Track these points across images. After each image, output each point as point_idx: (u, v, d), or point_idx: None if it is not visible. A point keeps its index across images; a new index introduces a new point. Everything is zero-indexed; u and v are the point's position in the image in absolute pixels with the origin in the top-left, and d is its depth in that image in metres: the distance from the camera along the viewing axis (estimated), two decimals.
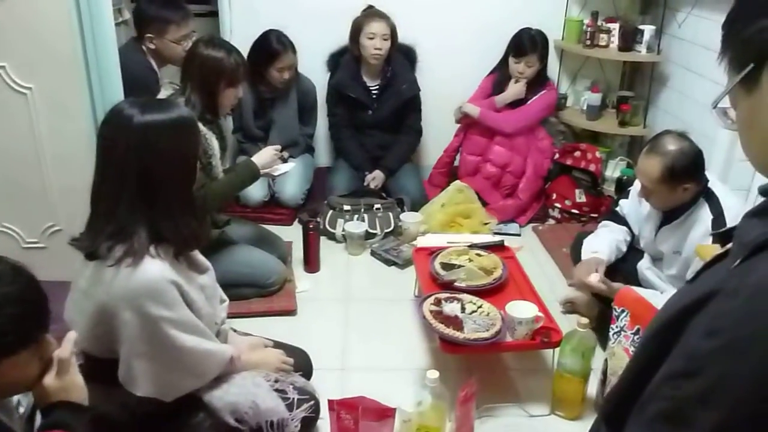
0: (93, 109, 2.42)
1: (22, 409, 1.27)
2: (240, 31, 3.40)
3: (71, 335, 1.29)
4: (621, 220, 2.52)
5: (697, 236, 2.15)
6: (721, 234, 0.83)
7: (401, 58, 3.37)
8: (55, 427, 1.18)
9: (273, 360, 1.86)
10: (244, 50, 3.05)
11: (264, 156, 2.49)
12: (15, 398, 1.27)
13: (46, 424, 1.20)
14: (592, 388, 2.09)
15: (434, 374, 1.74)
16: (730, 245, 0.77)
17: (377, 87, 3.37)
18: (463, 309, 2.07)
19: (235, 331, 1.93)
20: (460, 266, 2.33)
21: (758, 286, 0.61)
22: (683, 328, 0.68)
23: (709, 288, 0.67)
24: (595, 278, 2.29)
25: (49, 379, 1.20)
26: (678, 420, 0.64)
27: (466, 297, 2.14)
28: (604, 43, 3.38)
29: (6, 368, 1.08)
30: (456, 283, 2.25)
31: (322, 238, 3.00)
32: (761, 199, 0.76)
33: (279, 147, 2.57)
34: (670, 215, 2.26)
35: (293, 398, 1.76)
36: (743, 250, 0.67)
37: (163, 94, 2.38)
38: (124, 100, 1.57)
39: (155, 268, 1.48)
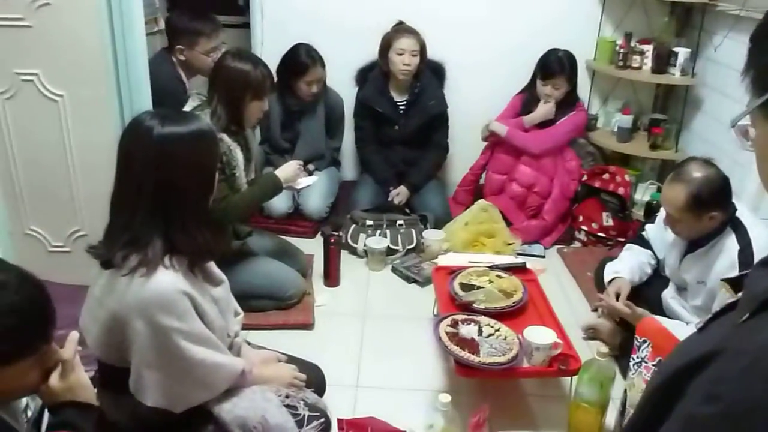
0: (122, 119, 2.45)
1: (30, 412, 1.28)
2: (271, 43, 3.44)
3: (74, 335, 1.29)
4: (646, 244, 2.46)
5: (723, 267, 2.09)
6: (734, 280, 0.78)
7: (430, 75, 3.36)
8: (62, 428, 1.19)
9: (285, 375, 1.85)
10: (274, 62, 3.09)
11: (287, 170, 2.50)
12: (24, 401, 1.28)
13: (53, 424, 1.21)
14: (611, 418, 2.03)
15: (446, 398, 1.71)
16: (739, 294, 0.73)
17: (405, 102, 3.37)
18: (480, 332, 2.03)
19: (249, 344, 1.93)
20: (479, 287, 2.30)
21: (761, 350, 0.56)
22: (685, 387, 0.64)
23: (713, 345, 0.63)
24: (617, 302, 2.25)
25: (54, 380, 1.21)
26: None
27: (483, 319, 2.10)
28: (637, 65, 3.32)
29: (6, 375, 1.08)
30: (474, 305, 2.22)
31: (344, 253, 2.99)
32: None
33: (302, 162, 2.58)
34: (695, 243, 2.21)
35: (304, 415, 1.74)
36: (752, 304, 0.63)
37: (189, 105, 2.41)
38: (145, 112, 1.58)
39: (168, 279, 1.49)
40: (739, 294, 0.72)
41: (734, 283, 0.79)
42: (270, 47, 3.39)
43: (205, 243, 1.59)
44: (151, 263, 1.48)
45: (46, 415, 1.25)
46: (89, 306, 1.60)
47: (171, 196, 1.51)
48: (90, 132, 2.44)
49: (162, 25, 3.48)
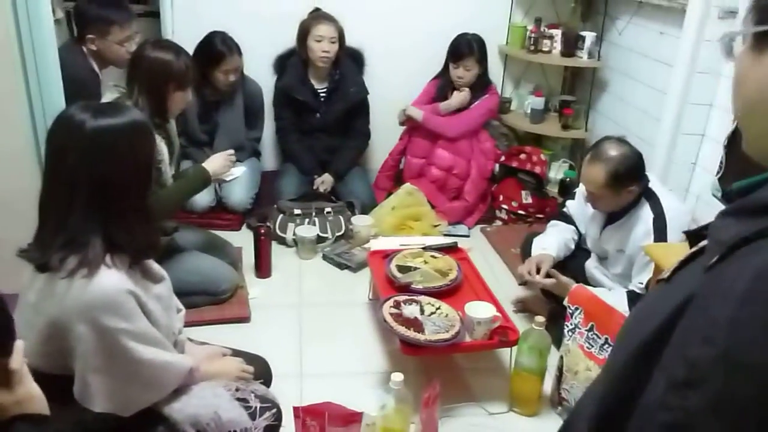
0: (31, 114, 2.31)
1: None
2: (182, 32, 3.31)
3: (20, 344, 1.22)
4: (569, 219, 2.59)
5: (639, 235, 2.24)
6: (693, 232, 0.85)
7: (349, 62, 3.37)
8: None
9: (232, 369, 1.82)
10: (190, 55, 2.98)
11: (216, 162, 2.44)
12: None
13: None
14: (548, 384, 2.14)
15: (399, 377, 1.74)
16: (703, 243, 0.79)
17: (325, 90, 3.36)
18: (422, 311, 2.08)
19: (191, 340, 1.88)
20: (416, 268, 2.35)
21: (746, 294, 0.61)
22: (671, 332, 0.69)
23: (690, 290, 0.68)
24: (540, 276, 2.35)
25: (2, 395, 1.13)
26: (687, 430, 0.64)
27: (424, 299, 2.15)
28: (547, 49, 3.47)
29: None
30: (413, 286, 2.26)
31: (273, 243, 2.96)
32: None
33: (232, 152, 2.52)
34: (614, 215, 2.35)
35: (255, 407, 1.72)
36: (719, 248, 0.68)
37: (108, 98, 2.29)
38: (74, 105, 1.50)
39: (112, 279, 1.43)
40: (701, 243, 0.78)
41: (692, 237, 0.85)
42: (182, 36, 3.24)
43: (146, 239, 1.54)
44: (92, 264, 1.41)
45: None
46: (22, 313, 1.51)
47: (108, 192, 1.44)
48: None
49: (59, 14, 3.29)
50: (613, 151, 2.18)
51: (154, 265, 1.68)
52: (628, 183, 2.20)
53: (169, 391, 1.60)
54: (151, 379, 1.54)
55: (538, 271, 2.40)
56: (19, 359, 1.16)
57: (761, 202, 0.68)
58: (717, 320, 0.63)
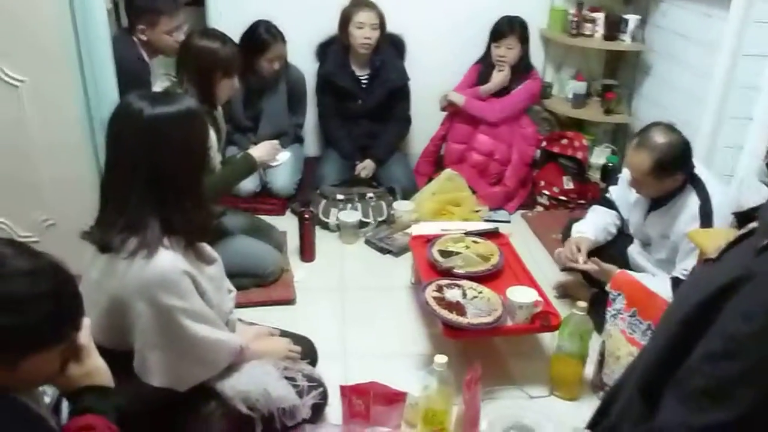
0: (86, 102, 2.40)
1: (47, 399, 1.28)
2: (227, 20, 3.37)
3: (87, 321, 1.29)
4: (611, 204, 2.58)
5: (685, 221, 2.22)
6: (743, 214, 0.87)
7: (390, 48, 3.39)
8: (85, 413, 1.19)
9: (281, 348, 1.89)
10: (236, 43, 3.05)
11: (262, 149, 2.50)
12: (40, 387, 1.28)
13: (75, 410, 1.21)
14: (589, 369, 2.15)
15: (443, 359, 1.78)
16: (752, 224, 0.81)
17: (366, 76, 3.39)
18: (464, 295, 2.11)
19: (241, 321, 1.95)
20: (457, 253, 2.38)
21: None
22: (717, 309, 0.72)
23: (740, 271, 0.71)
24: (582, 261, 2.35)
25: (72, 367, 1.21)
26: (718, 396, 0.68)
27: (466, 283, 2.18)
28: (588, 33, 3.44)
29: (32, 364, 1.08)
30: (455, 270, 2.29)
31: (316, 228, 3.02)
32: (749, 183, 0.79)
33: (277, 142, 2.58)
34: (658, 201, 2.33)
35: (303, 386, 1.79)
36: None
37: (159, 86, 2.38)
38: (131, 94, 1.56)
39: (169, 259, 1.50)
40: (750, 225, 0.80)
41: (741, 218, 0.88)
42: (227, 25, 3.29)
43: (201, 222, 1.60)
44: (151, 245, 1.48)
45: (65, 401, 1.26)
46: (86, 291, 1.58)
47: (165, 176, 1.51)
48: (54, 118, 2.37)
49: (109, 5, 3.38)
50: (660, 138, 2.14)
51: (207, 248, 1.75)
52: (673, 171, 2.17)
53: (221, 367, 1.68)
54: (204, 355, 1.62)
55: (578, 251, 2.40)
56: (87, 334, 1.25)
57: None
58: (760, 299, 0.66)
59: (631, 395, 0.86)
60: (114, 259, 1.50)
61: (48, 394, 1.29)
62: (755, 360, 0.65)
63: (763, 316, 0.65)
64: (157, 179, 1.50)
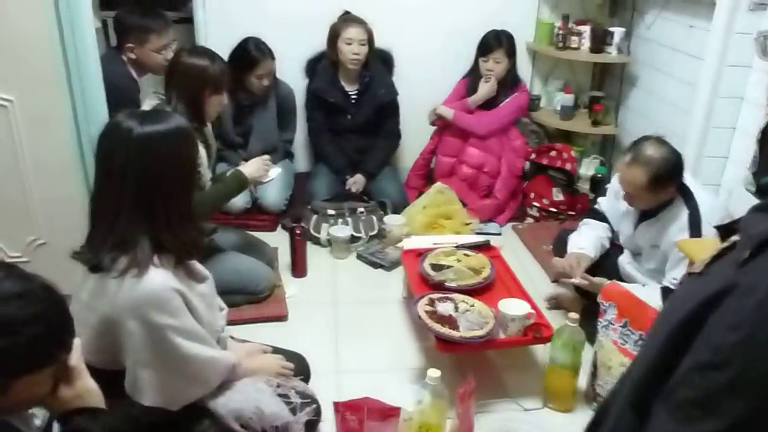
0: (76, 121, 2.39)
1: (38, 421, 1.27)
2: (216, 37, 3.40)
3: (77, 342, 1.29)
4: (601, 216, 2.59)
5: (675, 231, 2.23)
6: (724, 227, 0.87)
7: (378, 63, 3.41)
8: None
9: (273, 365, 1.88)
10: (224, 60, 3.06)
11: (252, 166, 2.51)
12: (30, 410, 1.27)
13: (66, 431, 1.20)
14: (582, 380, 2.16)
15: (436, 373, 1.78)
16: (734, 237, 0.82)
17: (355, 92, 3.40)
18: (456, 308, 2.11)
19: (232, 338, 1.94)
20: (449, 266, 2.38)
21: None
22: (702, 321, 0.73)
23: (723, 283, 0.72)
24: (578, 277, 2.36)
25: (63, 389, 1.20)
26: (706, 407, 0.68)
27: (458, 297, 2.18)
28: (575, 45, 3.47)
29: (23, 385, 1.08)
30: (447, 283, 2.29)
31: (308, 243, 3.02)
32: (736, 192, 0.80)
33: (268, 157, 2.59)
34: (648, 212, 2.34)
35: (296, 402, 1.78)
36: (750, 243, 0.72)
37: (148, 105, 2.38)
38: (121, 113, 1.57)
39: (159, 278, 1.50)
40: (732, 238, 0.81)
41: (723, 231, 0.89)
42: (215, 42, 3.34)
43: (190, 240, 1.60)
44: (141, 264, 1.48)
45: (56, 424, 1.25)
46: (75, 311, 1.58)
47: (155, 195, 1.51)
48: (43, 137, 2.36)
49: (97, 24, 3.39)
50: (653, 152, 2.15)
51: (198, 265, 1.75)
52: (668, 184, 2.19)
53: (214, 386, 1.67)
54: (196, 373, 1.61)
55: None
56: (77, 356, 1.24)
57: None
58: (744, 310, 0.67)
59: (622, 408, 0.86)
60: (104, 278, 1.49)
61: (38, 416, 1.28)
62: (742, 370, 0.66)
63: (748, 326, 0.66)
64: (146, 198, 1.50)
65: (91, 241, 1.55)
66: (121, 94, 2.54)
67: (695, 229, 2.17)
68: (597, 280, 2.34)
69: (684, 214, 2.22)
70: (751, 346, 0.65)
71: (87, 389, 1.24)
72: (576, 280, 2.37)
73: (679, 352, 0.76)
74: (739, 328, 0.67)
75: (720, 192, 2.79)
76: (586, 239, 2.51)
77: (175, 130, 1.55)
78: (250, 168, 2.50)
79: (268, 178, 2.59)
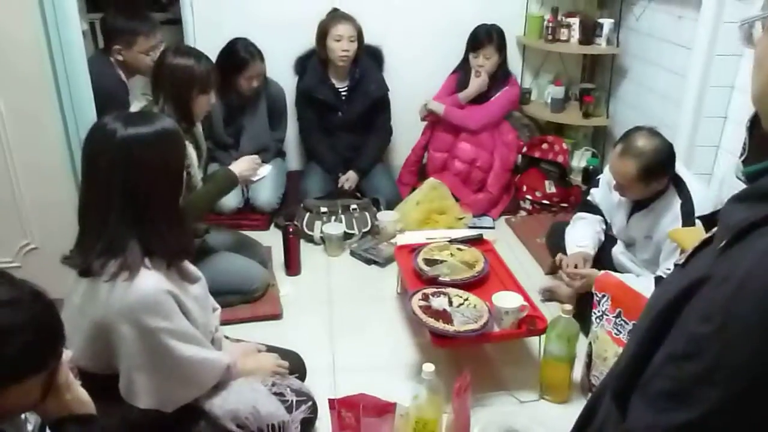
0: (65, 124, 2.39)
1: (30, 426, 1.26)
2: (204, 38, 3.38)
3: (67, 353, 1.28)
4: (594, 209, 2.60)
5: (668, 221, 2.24)
6: (707, 217, 0.87)
7: (368, 60, 3.40)
8: None
9: (268, 364, 1.88)
10: (211, 59, 3.05)
11: (242, 164, 2.50)
12: (23, 414, 1.26)
13: None
14: (577, 372, 2.16)
15: (430, 367, 1.78)
16: (715, 229, 0.82)
17: (346, 89, 3.40)
18: (450, 303, 2.11)
19: (227, 338, 1.94)
20: (442, 261, 2.38)
21: (745, 276, 0.65)
22: (679, 312, 0.73)
23: (700, 274, 0.72)
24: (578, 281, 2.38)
25: (53, 396, 1.19)
26: (680, 397, 0.69)
27: (452, 291, 2.18)
28: (565, 38, 3.47)
29: (13, 393, 1.07)
30: (440, 278, 2.30)
31: (301, 241, 3.01)
32: (728, 181, 0.80)
33: (257, 157, 2.59)
34: (641, 203, 2.35)
35: (291, 400, 1.77)
36: (727, 233, 0.71)
37: (136, 106, 2.37)
38: (107, 116, 1.56)
39: (151, 281, 1.49)
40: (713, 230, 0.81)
41: (707, 222, 0.89)
42: (203, 43, 3.32)
43: (178, 243, 1.58)
44: (132, 267, 1.47)
45: (48, 429, 1.24)
46: (68, 316, 1.57)
47: (140, 198, 1.49)
48: (32, 141, 2.36)
49: (84, 26, 3.38)
50: (645, 144, 2.16)
51: (190, 266, 1.74)
52: (660, 175, 2.20)
53: (208, 386, 1.66)
54: (191, 375, 1.60)
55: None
56: (67, 362, 1.23)
57: None
58: (717, 300, 0.67)
59: (608, 402, 0.87)
60: (95, 282, 1.48)
61: (30, 422, 1.27)
62: (715, 360, 0.66)
63: (721, 316, 0.66)
64: (132, 201, 1.48)
65: (81, 245, 1.54)
66: (109, 97, 2.53)
67: (688, 219, 2.17)
68: (586, 272, 2.34)
69: (676, 205, 2.23)
70: (723, 337, 0.65)
71: (77, 398, 1.23)
72: (571, 282, 2.37)
73: (657, 343, 0.76)
74: (711, 318, 0.67)
75: (712, 181, 2.79)
76: (585, 236, 2.51)
77: (161, 132, 1.53)
78: (239, 166, 2.49)
79: (258, 176, 2.58)
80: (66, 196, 2.43)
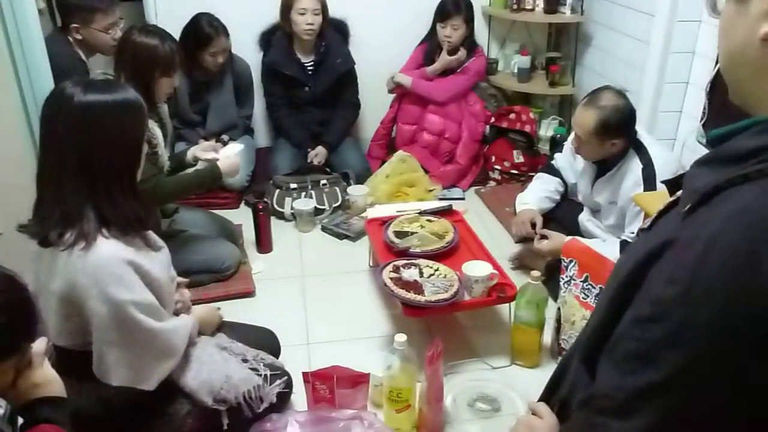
0: (24, 105, 2.32)
1: (1, 410, 1.26)
2: (166, 15, 3.32)
3: (42, 339, 1.27)
4: (555, 171, 2.65)
5: (630, 185, 2.29)
6: (671, 181, 0.89)
7: (334, 33, 3.37)
8: (39, 424, 1.17)
9: (215, 317, 1.94)
10: (174, 35, 2.99)
11: (229, 166, 2.44)
12: None
13: (28, 422, 1.19)
14: (547, 336, 2.21)
15: (402, 337, 1.80)
16: (679, 193, 0.84)
17: (312, 63, 3.37)
18: (421, 273, 2.14)
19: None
20: (413, 233, 2.40)
21: (710, 239, 0.67)
22: (645, 275, 0.75)
23: (665, 237, 0.73)
24: (537, 240, 2.43)
25: (24, 379, 1.19)
26: (647, 358, 0.71)
27: (422, 262, 2.21)
28: (530, 7, 3.48)
29: None
30: (411, 250, 2.32)
31: (272, 218, 3.01)
32: (689, 146, 0.81)
33: (238, 150, 2.56)
34: (604, 168, 2.39)
35: (266, 374, 1.79)
36: (692, 197, 0.73)
37: None
38: (68, 80, 1.52)
39: (109, 249, 1.45)
40: (677, 193, 0.83)
41: (671, 186, 0.90)
42: (166, 19, 3.26)
43: (133, 214, 1.52)
44: (88, 236, 1.44)
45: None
46: (39, 296, 1.56)
47: (95, 166, 1.46)
48: None
49: (41, 4, 3.28)
50: (609, 100, 2.22)
51: (152, 234, 1.69)
52: (614, 135, 2.24)
53: (180, 354, 1.63)
54: (163, 345, 1.58)
55: (533, 226, 2.47)
56: (40, 345, 1.22)
57: (734, 151, 0.72)
58: (682, 262, 0.69)
59: (577, 366, 0.88)
60: (54, 254, 1.46)
61: (1, 405, 1.26)
62: (680, 322, 0.68)
63: (685, 279, 0.67)
64: (86, 169, 1.45)
65: (38, 212, 1.50)
66: (69, 76, 2.44)
67: (649, 183, 2.22)
68: (555, 234, 2.39)
69: (638, 169, 2.27)
70: (688, 299, 0.67)
71: (47, 379, 1.22)
72: (544, 247, 2.40)
73: (624, 307, 0.77)
74: (677, 281, 0.68)
75: (675, 146, 2.85)
76: (531, 194, 2.59)
77: (122, 102, 1.50)
78: (226, 166, 2.44)
79: (226, 155, 2.54)
80: (28, 180, 2.32)
